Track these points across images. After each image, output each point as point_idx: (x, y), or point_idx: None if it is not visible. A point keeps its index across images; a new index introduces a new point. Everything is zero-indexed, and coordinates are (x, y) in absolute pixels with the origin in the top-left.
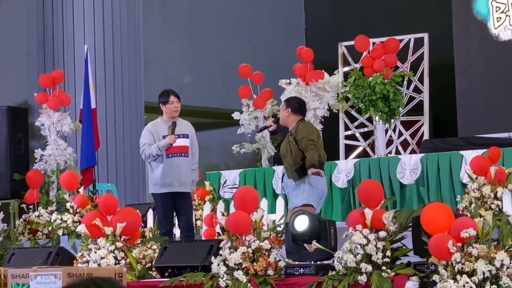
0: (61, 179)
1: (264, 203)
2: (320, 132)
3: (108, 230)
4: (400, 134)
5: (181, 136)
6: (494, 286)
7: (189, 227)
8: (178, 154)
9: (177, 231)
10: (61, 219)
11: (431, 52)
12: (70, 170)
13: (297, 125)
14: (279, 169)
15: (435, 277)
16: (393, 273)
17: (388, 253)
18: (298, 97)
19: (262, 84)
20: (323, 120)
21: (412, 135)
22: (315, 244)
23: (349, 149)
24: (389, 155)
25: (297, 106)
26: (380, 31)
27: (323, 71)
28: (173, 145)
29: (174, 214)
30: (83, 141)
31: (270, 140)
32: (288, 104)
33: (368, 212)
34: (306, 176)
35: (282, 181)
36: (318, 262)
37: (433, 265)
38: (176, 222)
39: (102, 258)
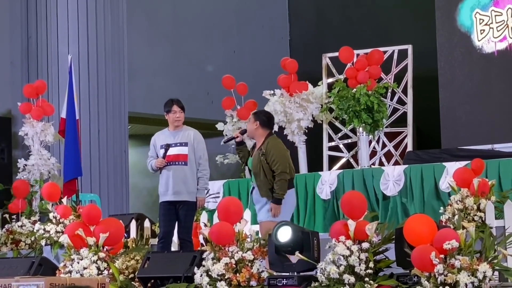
0: (42, 190)
1: (247, 214)
2: (304, 143)
3: (91, 240)
4: (384, 145)
5: (178, 144)
6: None
7: (185, 235)
8: (173, 163)
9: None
10: (44, 229)
11: (415, 64)
12: (54, 180)
13: (267, 141)
14: None
15: None
16: (376, 285)
17: (371, 264)
18: (267, 111)
19: (246, 95)
20: (307, 131)
21: (396, 147)
22: (298, 255)
23: (333, 160)
24: (372, 166)
25: (266, 120)
26: (364, 42)
27: (307, 82)
28: (169, 153)
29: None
30: (66, 152)
31: (235, 152)
32: (257, 118)
33: (351, 223)
34: None
35: (251, 193)
36: (301, 273)
37: (416, 277)
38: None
39: (84, 268)
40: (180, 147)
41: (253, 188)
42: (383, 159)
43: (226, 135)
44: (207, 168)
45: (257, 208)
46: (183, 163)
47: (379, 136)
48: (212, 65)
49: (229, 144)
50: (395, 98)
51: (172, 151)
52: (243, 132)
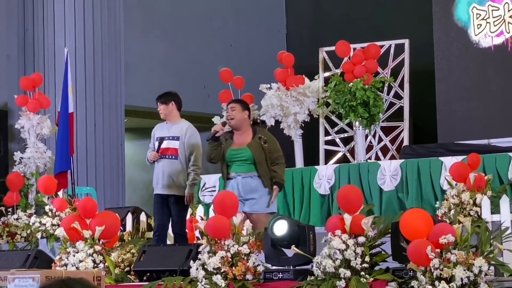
0: (38, 183)
1: None
2: (300, 137)
3: (86, 233)
4: (380, 139)
5: (170, 138)
6: None
7: (178, 229)
8: (163, 156)
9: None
10: (40, 222)
11: (411, 58)
12: (50, 173)
13: (261, 131)
14: None
15: (414, 283)
16: (372, 279)
17: (367, 258)
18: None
19: (242, 88)
20: (303, 125)
21: (392, 141)
22: (294, 249)
23: (329, 155)
24: (368, 160)
25: (250, 110)
26: (361, 36)
27: (303, 76)
28: (162, 146)
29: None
30: (58, 145)
31: (210, 147)
32: (246, 107)
33: (347, 218)
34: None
35: (240, 185)
36: (297, 267)
37: (411, 271)
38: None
39: (80, 261)
40: (172, 140)
41: (243, 178)
42: (379, 154)
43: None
44: (198, 163)
45: (254, 197)
46: (173, 157)
47: (376, 131)
48: (209, 57)
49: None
50: (392, 93)
51: (164, 144)
52: (225, 124)
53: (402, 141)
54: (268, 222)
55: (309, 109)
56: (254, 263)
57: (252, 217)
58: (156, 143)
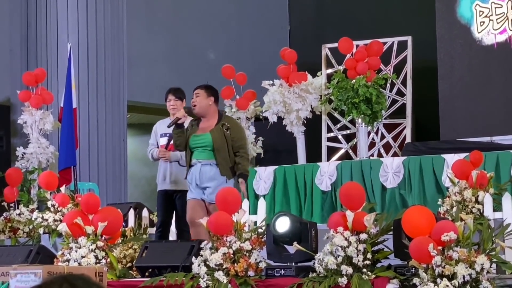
0: (39, 178)
1: (245, 204)
2: (302, 134)
3: (89, 229)
4: (383, 136)
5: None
6: None
7: (182, 225)
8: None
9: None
10: (42, 218)
11: (414, 55)
12: (52, 168)
13: (226, 117)
14: (260, 170)
15: (416, 280)
16: (374, 276)
17: (369, 255)
18: (211, 85)
19: (245, 84)
20: (305, 121)
21: (395, 138)
22: (296, 246)
23: (331, 151)
24: (371, 157)
25: (217, 96)
26: (364, 33)
27: (306, 72)
28: (170, 143)
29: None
30: (62, 140)
31: (174, 134)
32: (211, 92)
33: (350, 214)
34: (234, 176)
35: (199, 172)
36: (299, 264)
37: (413, 268)
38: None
39: (82, 257)
40: None
41: (203, 165)
42: (382, 151)
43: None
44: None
45: (210, 186)
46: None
47: (378, 128)
48: (212, 53)
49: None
50: (394, 90)
51: (172, 141)
52: (189, 111)
53: (404, 138)
54: (271, 219)
55: (311, 105)
56: (256, 259)
57: (211, 207)
58: (162, 139)
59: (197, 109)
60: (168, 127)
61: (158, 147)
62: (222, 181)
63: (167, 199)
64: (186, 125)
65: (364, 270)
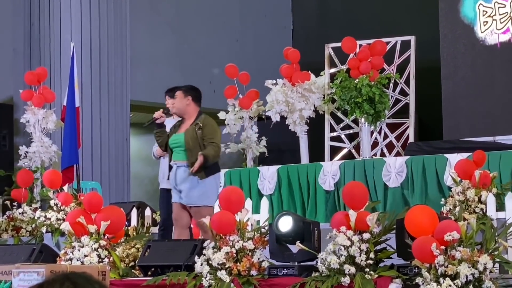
0: (43, 177)
1: (248, 203)
2: (305, 133)
3: (92, 228)
4: (386, 136)
5: None
6: None
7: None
8: None
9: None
10: (45, 217)
11: (417, 55)
12: (55, 167)
13: (202, 117)
14: (264, 170)
15: (418, 280)
16: (376, 275)
17: (372, 255)
18: (193, 86)
19: (248, 84)
20: (308, 121)
21: (398, 138)
22: (298, 245)
23: (334, 151)
24: (374, 157)
25: (197, 95)
26: (367, 33)
27: (309, 72)
28: None
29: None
30: (65, 139)
31: (154, 133)
32: (188, 92)
33: (352, 214)
34: (210, 174)
35: (175, 174)
36: (302, 263)
37: (416, 268)
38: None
39: (85, 256)
40: None
41: (178, 167)
42: (385, 150)
43: (227, 124)
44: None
45: (183, 188)
46: None
47: (381, 127)
48: (214, 55)
49: (230, 133)
50: (397, 89)
51: None
52: (166, 112)
53: (407, 137)
54: (274, 218)
55: (314, 105)
56: (258, 258)
57: (192, 210)
58: None
59: (174, 110)
60: (144, 126)
61: None
62: (194, 182)
63: (168, 197)
64: (171, 124)
65: (367, 269)
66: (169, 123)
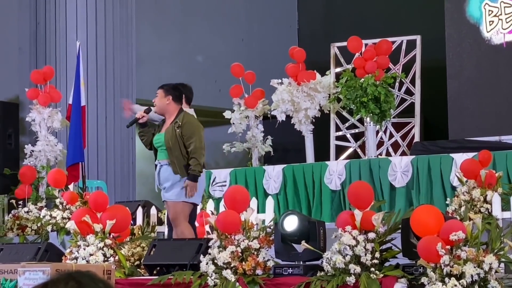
0: (48, 176)
1: (254, 202)
2: (311, 133)
3: (97, 227)
4: (391, 136)
5: None
6: None
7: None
8: None
9: None
10: (51, 215)
11: (423, 54)
12: (60, 166)
13: (182, 115)
14: (269, 169)
15: (424, 280)
16: (382, 275)
17: (377, 254)
18: (176, 84)
19: (254, 83)
20: (314, 120)
21: (403, 137)
22: (304, 245)
23: (340, 150)
24: (379, 156)
25: (178, 94)
26: (373, 32)
27: (315, 71)
28: None
29: None
30: (70, 137)
31: (138, 133)
32: (168, 92)
33: (358, 213)
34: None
35: (158, 173)
36: (307, 263)
37: (421, 267)
38: None
39: (91, 255)
40: None
41: (161, 166)
42: (390, 150)
43: (233, 123)
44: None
45: (166, 186)
46: None
47: (387, 127)
48: (219, 54)
49: (235, 133)
50: (403, 89)
51: None
52: (148, 111)
53: (413, 137)
54: (279, 217)
55: (320, 104)
56: (264, 258)
57: (167, 205)
58: None
59: (155, 109)
60: (127, 127)
61: None
62: (176, 180)
63: None
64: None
65: (372, 269)
66: None
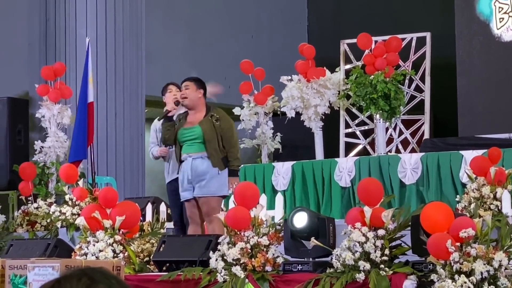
0: (60, 171)
1: (263, 199)
2: (320, 129)
3: (107, 223)
4: (401, 132)
5: None
6: (492, 286)
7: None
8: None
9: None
10: (60, 211)
11: (433, 51)
12: None
13: (214, 109)
14: (278, 165)
15: (433, 276)
16: (391, 272)
17: (387, 251)
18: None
19: (263, 80)
20: (323, 117)
21: (413, 134)
22: (313, 241)
23: (349, 147)
24: (389, 153)
25: (206, 89)
26: (383, 29)
27: (324, 68)
28: None
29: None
30: (74, 133)
31: (163, 128)
32: (201, 85)
33: (368, 210)
34: (225, 167)
35: (190, 167)
36: (316, 259)
37: (431, 264)
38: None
39: (100, 251)
40: None
41: (193, 159)
42: (400, 147)
43: (242, 120)
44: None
45: (203, 179)
46: None
47: (396, 123)
48: (229, 50)
49: (244, 129)
50: (413, 86)
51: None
52: (178, 103)
53: (422, 134)
54: (288, 214)
55: (329, 101)
56: (273, 254)
57: (200, 201)
58: None
59: (187, 101)
60: (159, 120)
61: (159, 144)
62: (215, 173)
63: (176, 190)
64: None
65: (382, 266)
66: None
